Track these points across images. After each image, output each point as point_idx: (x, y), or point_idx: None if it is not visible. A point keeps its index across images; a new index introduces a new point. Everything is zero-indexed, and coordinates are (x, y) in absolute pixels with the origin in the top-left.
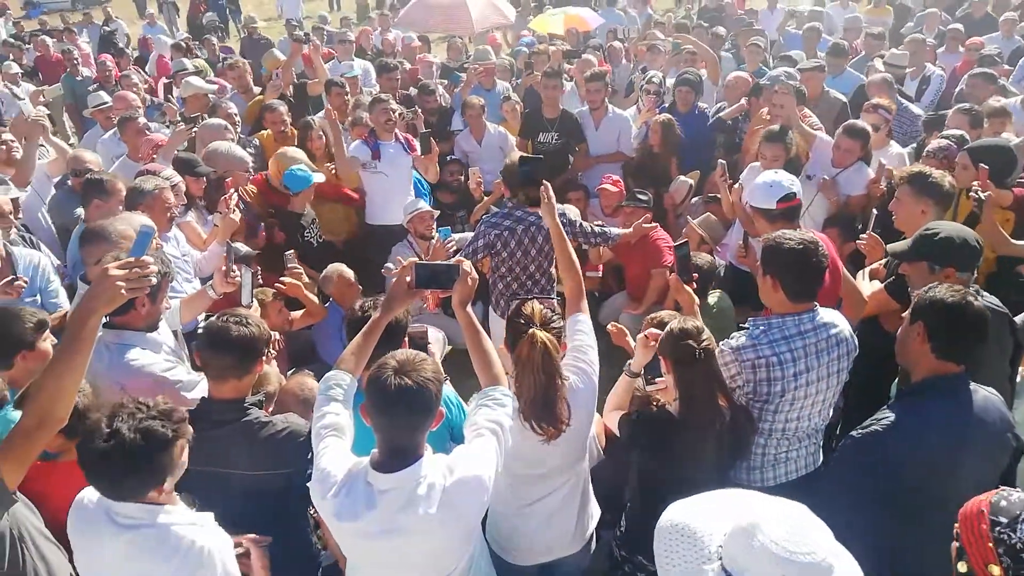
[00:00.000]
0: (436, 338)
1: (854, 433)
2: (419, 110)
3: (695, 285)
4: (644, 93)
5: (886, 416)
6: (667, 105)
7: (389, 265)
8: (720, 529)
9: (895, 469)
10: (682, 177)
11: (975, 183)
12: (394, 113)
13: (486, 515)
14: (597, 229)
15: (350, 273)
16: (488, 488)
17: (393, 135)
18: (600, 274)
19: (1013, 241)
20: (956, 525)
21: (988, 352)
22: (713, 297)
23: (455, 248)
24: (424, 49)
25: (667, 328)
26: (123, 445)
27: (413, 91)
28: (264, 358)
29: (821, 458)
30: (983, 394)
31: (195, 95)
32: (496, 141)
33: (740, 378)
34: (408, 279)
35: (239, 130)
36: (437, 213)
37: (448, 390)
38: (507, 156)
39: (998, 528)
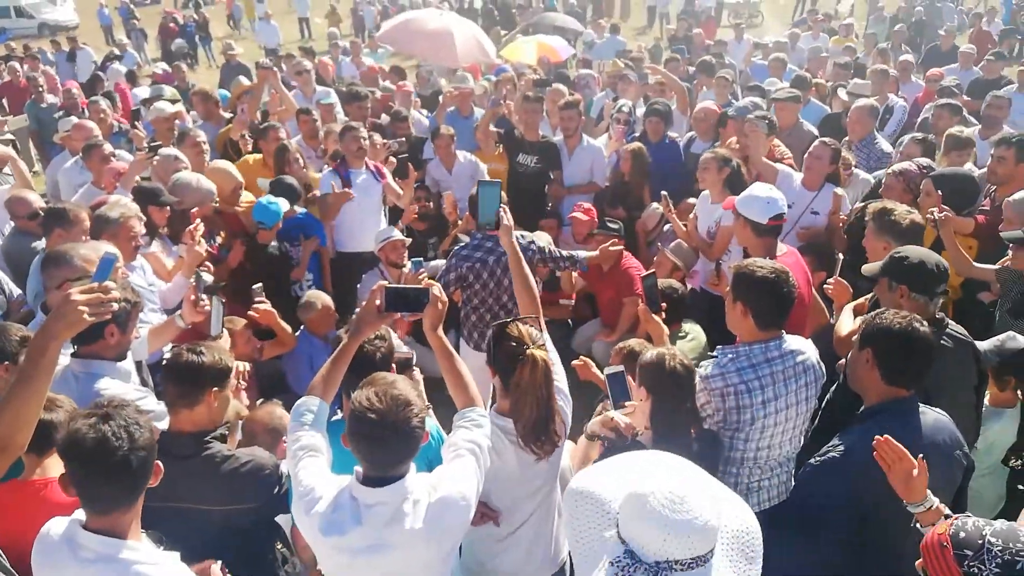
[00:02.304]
0: (418, 378)
1: (812, 461)
2: (404, 140)
3: (664, 315)
4: (614, 122)
5: (839, 444)
6: (637, 134)
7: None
8: (619, 495)
9: (851, 494)
10: (654, 204)
11: (932, 210)
12: (365, 141)
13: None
14: (566, 254)
15: (331, 301)
16: (471, 506)
17: (363, 163)
18: (573, 302)
19: (975, 264)
20: (919, 562)
21: (949, 380)
22: (685, 326)
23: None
24: (393, 78)
25: (657, 360)
26: (115, 436)
27: (385, 119)
28: (218, 389)
29: (793, 485)
30: (932, 416)
31: (161, 120)
32: (467, 170)
33: (710, 407)
34: (378, 302)
35: (208, 158)
36: (409, 241)
37: (431, 423)
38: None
39: (967, 562)
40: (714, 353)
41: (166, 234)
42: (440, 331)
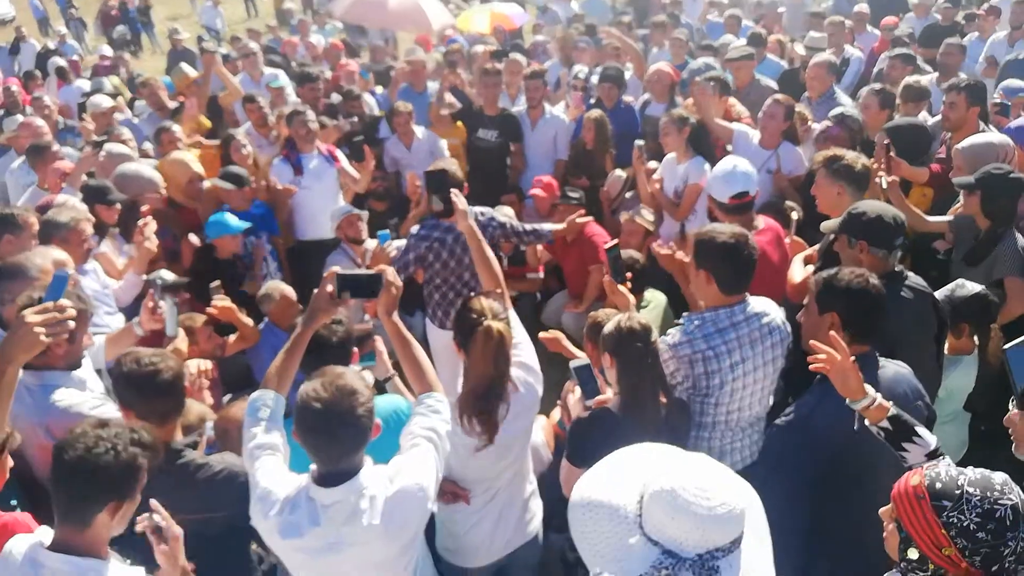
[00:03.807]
0: (382, 350)
1: (778, 421)
2: (356, 119)
3: (629, 285)
4: (571, 90)
5: (805, 401)
6: (593, 101)
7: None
8: (633, 498)
9: (817, 451)
10: (617, 171)
11: (880, 173)
12: (314, 124)
13: (432, 524)
14: (529, 228)
15: (291, 292)
16: (430, 496)
17: (314, 147)
18: (541, 275)
19: (927, 218)
20: (889, 510)
21: (911, 331)
22: (648, 295)
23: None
24: (348, 52)
25: (614, 325)
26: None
27: (337, 98)
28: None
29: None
30: (892, 369)
31: (98, 115)
32: (426, 146)
33: (679, 374)
34: (329, 289)
35: (137, 157)
36: (367, 215)
37: (399, 400)
38: (441, 159)
39: (946, 513)
40: (680, 320)
41: (117, 232)
42: (395, 316)
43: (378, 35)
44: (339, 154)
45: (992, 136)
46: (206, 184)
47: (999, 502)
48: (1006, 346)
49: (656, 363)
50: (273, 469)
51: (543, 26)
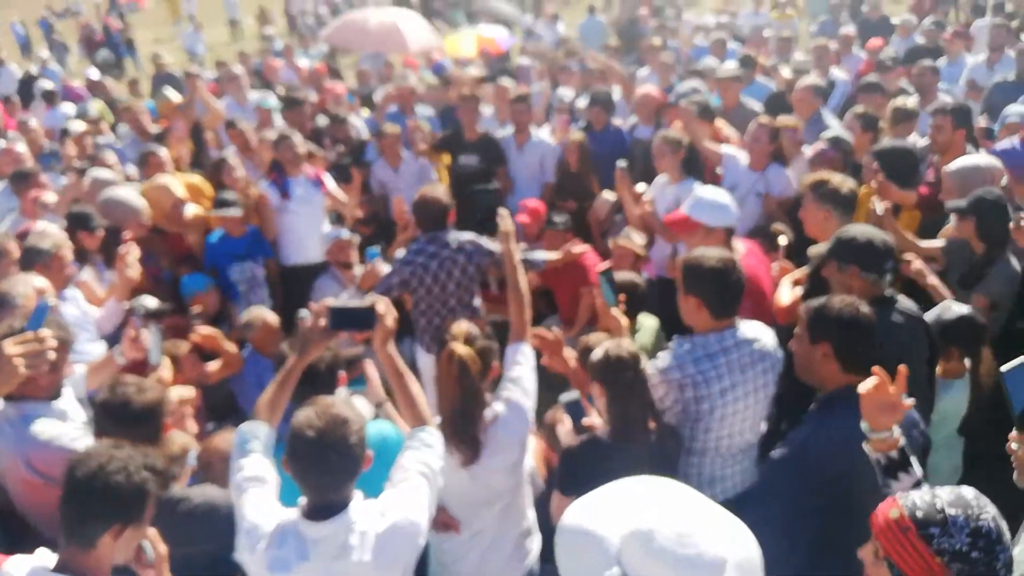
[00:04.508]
0: (372, 375)
1: (773, 452)
2: (342, 147)
3: (623, 307)
4: (556, 113)
5: (800, 431)
6: (583, 125)
7: (303, 312)
8: (618, 531)
9: (812, 482)
10: (605, 194)
11: (874, 197)
12: (301, 148)
13: (426, 554)
14: (521, 256)
15: (274, 318)
16: (422, 531)
17: (301, 171)
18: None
19: (919, 243)
20: (872, 548)
21: (903, 356)
22: (643, 318)
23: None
24: (331, 76)
25: (602, 353)
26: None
27: (324, 122)
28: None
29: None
30: None
31: (76, 139)
32: (414, 169)
33: (668, 398)
34: (322, 322)
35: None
36: (358, 239)
37: (385, 426)
38: (427, 185)
39: (935, 540)
40: (670, 344)
41: (100, 259)
42: (391, 347)
43: (368, 59)
44: (326, 178)
45: (981, 159)
46: (194, 210)
47: (981, 518)
48: (1003, 368)
49: (645, 390)
50: (261, 502)
51: (529, 49)
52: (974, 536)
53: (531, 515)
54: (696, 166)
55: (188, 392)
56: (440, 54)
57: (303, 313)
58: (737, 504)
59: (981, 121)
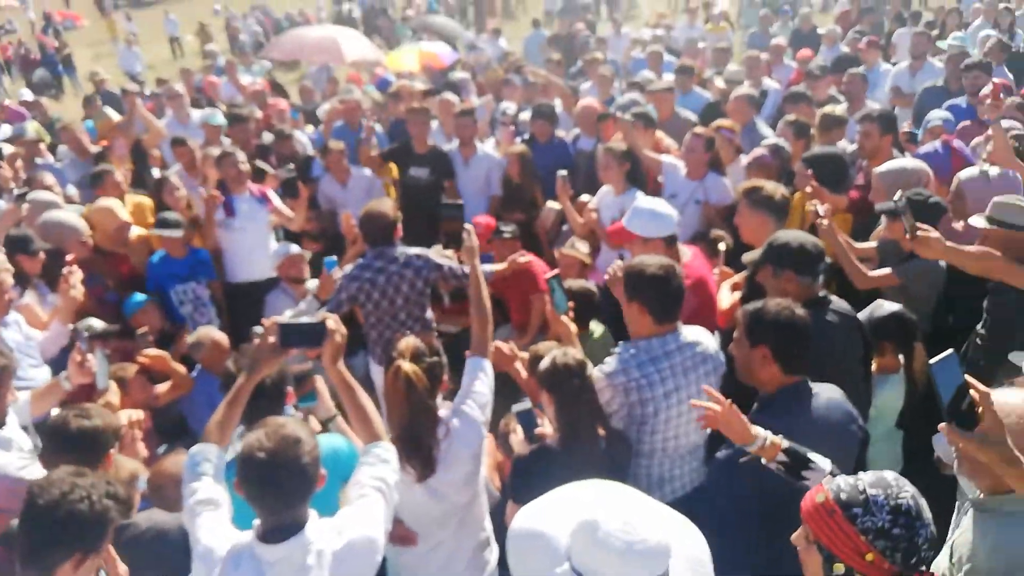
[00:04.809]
0: (323, 390)
1: (719, 454)
2: (293, 166)
3: (572, 314)
4: (500, 126)
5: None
6: (527, 137)
7: (258, 329)
8: (566, 529)
9: (756, 483)
10: (550, 204)
11: (814, 204)
12: (244, 165)
13: (384, 568)
14: (468, 269)
15: (222, 337)
16: (379, 547)
17: (246, 188)
18: None
19: (857, 244)
20: (803, 533)
21: (838, 354)
22: (593, 325)
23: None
24: (274, 92)
25: (549, 362)
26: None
27: (269, 138)
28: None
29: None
30: (825, 395)
31: (10, 161)
32: (362, 184)
33: (615, 402)
34: (272, 339)
35: (62, 203)
36: (309, 254)
37: (337, 440)
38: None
39: (859, 520)
40: (616, 349)
41: (42, 282)
42: (340, 364)
43: (312, 75)
44: (271, 194)
45: (908, 162)
46: (138, 232)
47: (900, 496)
48: (931, 361)
49: (593, 396)
50: (215, 525)
51: (468, 63)
52: (894, 514)
53: (488, 526)
54: (639, 177)
55: (137, 415)
56: (383, 69)
57: (258, 330)
58: (686, 504)
59: (905, 126)
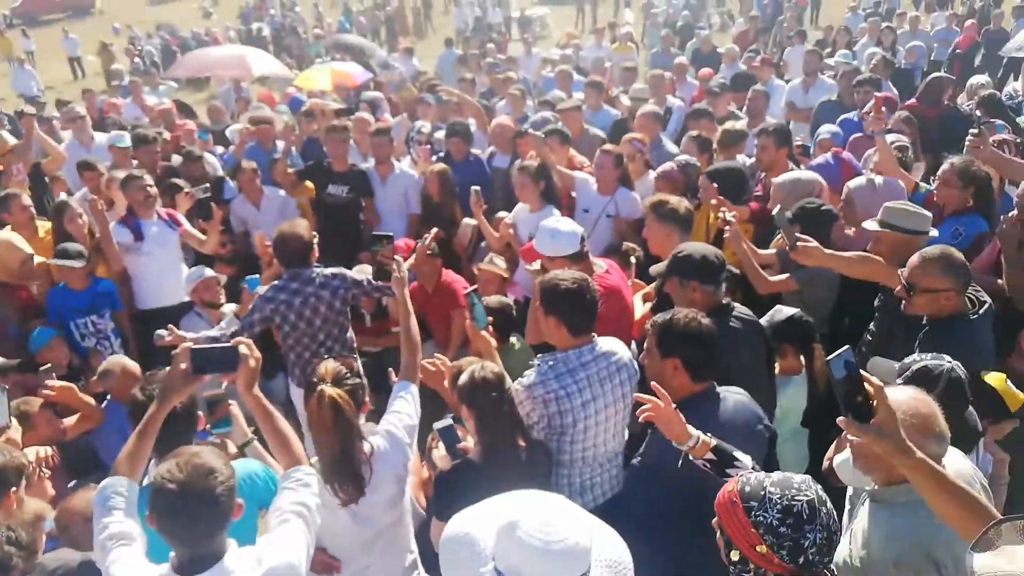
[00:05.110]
0: (238, 415)
1: (635, 460)
2: (208, 185)
3: (491, 329)
4: (415, 144)
5: (657, 437)
6: (442, 155)
7: (161, 332)
8: (492, 531)
9: (672, 485)
10: (467, 220)
11: (723, 213)
12: (152, 189)
13: None
14: (385, 284)
15: (133, 365)
16: (301, 574)
17: (154, 212)
18: None
19: (760, 251)
20: (715, 519)
21: (742, 359)
22: (513, 339)
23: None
24: (181, 113)
25: (468, 377)
26: None
27: (176, 160)
28: (15, 489)
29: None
30: (732, 399)
31: None
32: (275, 204)
33: (535, 414)
34: (183, 366)
35: None
36: (224, 278)
37: (254, 465)
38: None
39: (754, 513)
40: (535, 362)
41: None
42: (256, 389)
43: (221, 95)
44: (181, 217)
45: (802, 173)
46: (39, 260)
47: (796, 498)
48: (828, 358)
49: (512, 409)
50: (129, 561)
51: (382, 82)
52: (784, 513)
53: (415, 547)
54: (553, 194)
55: (45, 451)
56: (295, 88)
57: (162, 332)
58: (608, 511)
59: (799, 139)
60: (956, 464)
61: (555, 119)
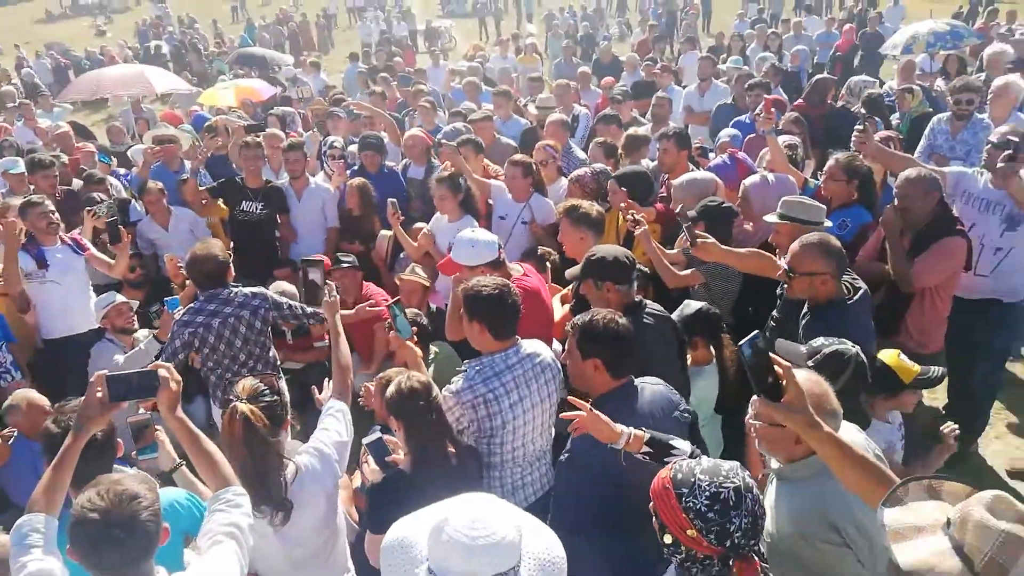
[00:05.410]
0: (164, 440)
1: (562, 457)
2: (113, 202)
3: (415, 339)
4: (328, 159)
5: (583, 436)
6: (356, 168)
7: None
8: (424, 534)
9: (599, 482)
10: (383, 231)
11: (632, 213)
12: (54, 215)
13: None
14: (309, 310)
15: (39, 398)
16: None
17: (57, 238)
18: (327, 342)
19: (668, 252)
20: (651, 504)
21: (656, 352)
22: (434, 347)
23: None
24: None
25: (395, 388)
26: None
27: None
28: None
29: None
30: (649, 389)
31: None
32: (185, 224)
33: (464, 419)
34: (99, 394)
35: None
36: (136, 304)
37: (178, 493)
38: (200, 242)
39: (684, 498)
40: (462, 368)
41: None
42: (179, 412)
43: (122, 116)
44: (86, 241)
45: (699, 174)
46: None
47: (723, 485)
48: (740, 343)
49: (441, 416)
50: None
51: (290, 97)
52: (712, 500)
53: (351, 565)
54: (472, 205)
55: None
56: (199, 106)
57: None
58: (540, 509)
59: (697, 141)
60: (850, 437)
61: (467, 129)
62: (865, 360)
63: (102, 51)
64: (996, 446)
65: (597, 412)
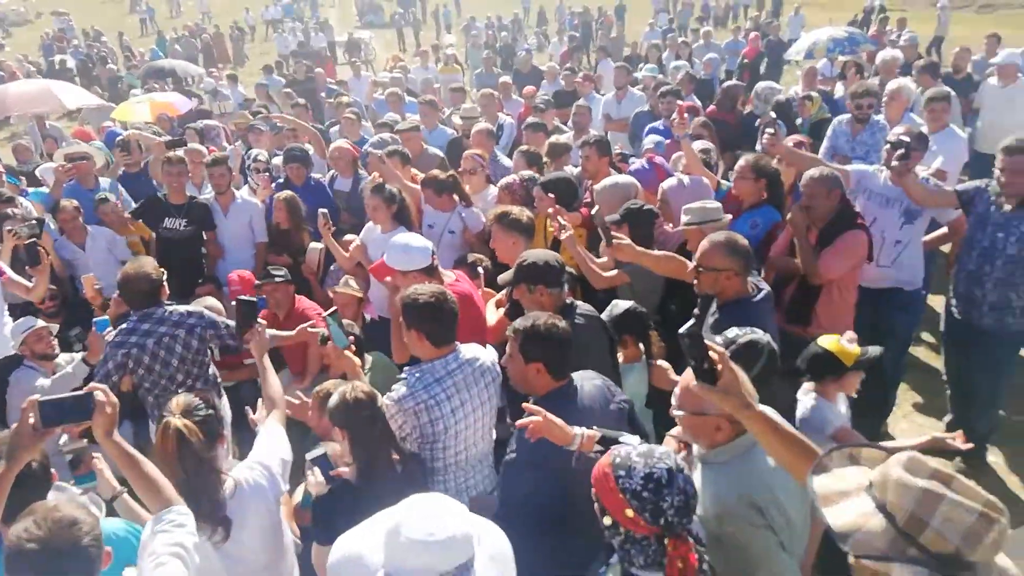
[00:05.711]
0: (103, 467)
1: (506, 459)
2: (35, 222)
3: (354, 349)
4: (252, 172)
5: (515, 444)
6: (281, 180)
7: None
8: (378, 543)
9: (544, 479)
10: (313, 244)
11: (560, 218)
12: None
13: None
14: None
15: None
16: None
17: None
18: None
19: (597, 260)
20: (593, 490)
21: (588, 350)
22: (370, 357)
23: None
24: None
25: (339, 398)
26: None
27: None
28: None
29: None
30: (588, 385)
31: None
32: (102, 243)
33: (407, 426)
34: (32, 420)
35: None
36: (56, 327)
37: (116, 523)
38: (124, 262)
39: (620, 480)
40: (402, 375)
41: None
42: (116, 436)
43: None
44: (3, 264)
45: (620, 178)
46: None
47: (656, 466)
48: (680, 330)
49: (385, 425)
50: None
51: (209, 110)
52: (646, 480)
53: None
54: (405, 216)
55: None
56: (111, 123)
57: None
58: (486, 507)
59: (617, 147)
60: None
61: (394, 140)
62: (776, 349)
63: (1, 67)
64: (903, 424)
65: (552, 417)
